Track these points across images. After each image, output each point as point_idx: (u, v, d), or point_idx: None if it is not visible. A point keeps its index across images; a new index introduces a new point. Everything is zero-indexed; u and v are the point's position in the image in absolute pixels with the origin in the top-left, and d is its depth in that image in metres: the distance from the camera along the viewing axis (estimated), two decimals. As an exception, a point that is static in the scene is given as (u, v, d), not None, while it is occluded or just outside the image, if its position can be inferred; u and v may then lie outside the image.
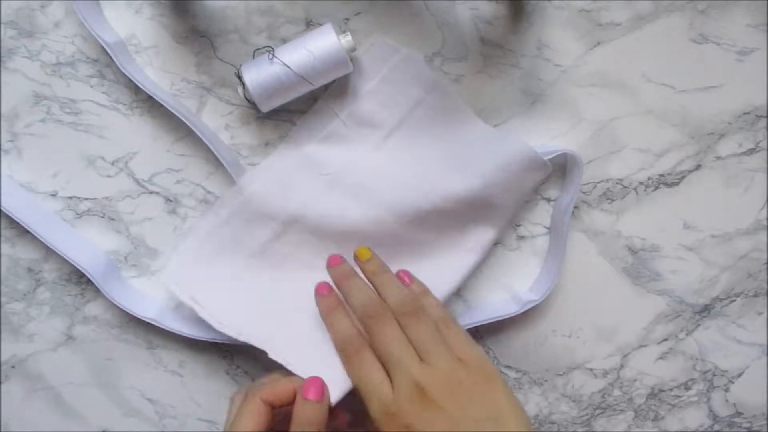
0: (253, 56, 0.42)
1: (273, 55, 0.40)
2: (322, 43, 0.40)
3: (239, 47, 0.44)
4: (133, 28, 0.44)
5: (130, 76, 0.42)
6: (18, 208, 0.44)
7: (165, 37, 0.44)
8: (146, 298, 0.48)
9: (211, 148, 0.43)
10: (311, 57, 0.40)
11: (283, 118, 0.46)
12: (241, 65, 0.41)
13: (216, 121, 0.45)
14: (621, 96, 0.45)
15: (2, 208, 0.44)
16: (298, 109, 0.45)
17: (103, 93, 0.45)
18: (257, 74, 0.40)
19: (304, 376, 0.39)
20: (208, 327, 0.46)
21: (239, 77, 0.41)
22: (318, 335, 0.42)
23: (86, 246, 0.47)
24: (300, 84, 0.41)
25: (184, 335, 0.46)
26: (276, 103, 0.42)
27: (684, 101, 0.45)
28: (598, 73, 0.45)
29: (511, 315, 0.46)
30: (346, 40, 0.41)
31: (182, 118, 0.42)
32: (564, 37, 0.44)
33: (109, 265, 0.47)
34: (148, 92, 0.42)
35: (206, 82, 0.45)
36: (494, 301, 0.48)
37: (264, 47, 0.42)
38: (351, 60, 0.41)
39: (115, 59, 0.41)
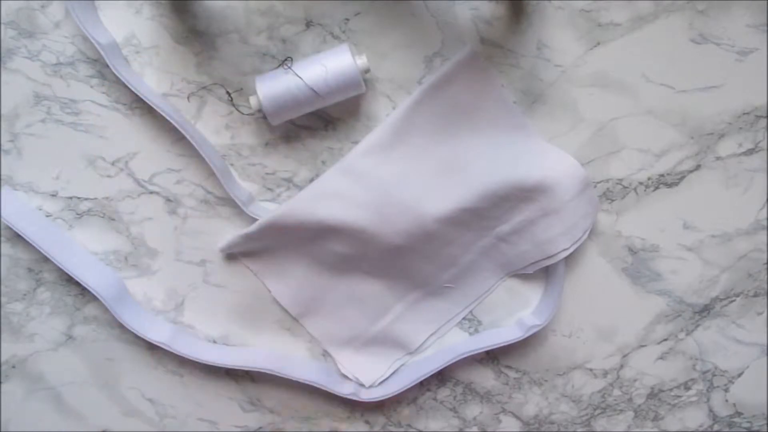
0: (279, 66, 0.42)
1: (290, 67, 0.41)
2: (337, 61, 0.41)
3: (239, 47, 0.44)
4: (133, 29, 0.44)
5: (123, 80, 0.42)
6: (35, 233, 0.45)
7: (165, 37, 0.44)
8: (157, 321, 0.48)
9: (200, 152, 0.43)
10: (324, 71, 0.41)
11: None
12: (256, 77, 0.42)
13: (216, 121, 0.45)
14: (621, 96, 0.45)
15: (27, 238, 0.45)
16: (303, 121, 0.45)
17: (103, 93, 0.45)
18: (270, 86, 0.41)
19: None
20: (220, 353, 0.47)
21: (238, 89, 0.42)
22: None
23: (99, 269, 0.47)
24: (311, 98, 0.41)
25: (195, 360, 0.46)
26: (286, 116, 0.42)
27: (684, 101, 0.45)
28: (598, 73, 0.45)
29: (516, 340, 0.46)
30: (362, 61, 0.41)
31: (170, 120, 0.42)
32: (564, 37, 0.44)
33: (121, 288, 0.47)
34: (139, 94, 0.42)
35: (206, 82, 0.45)
36: (501, 328, 0.49)
37: (286, 59, 0.43)
38: (364, 81, 0.42)
39: (107, 60, 0.41)
